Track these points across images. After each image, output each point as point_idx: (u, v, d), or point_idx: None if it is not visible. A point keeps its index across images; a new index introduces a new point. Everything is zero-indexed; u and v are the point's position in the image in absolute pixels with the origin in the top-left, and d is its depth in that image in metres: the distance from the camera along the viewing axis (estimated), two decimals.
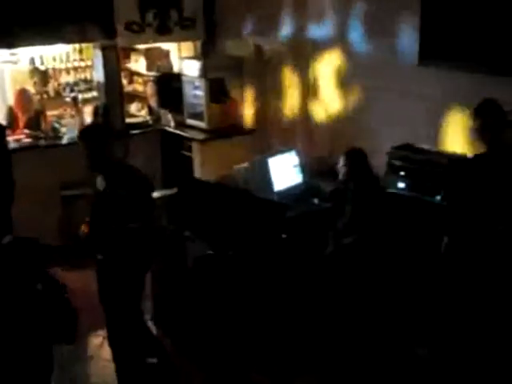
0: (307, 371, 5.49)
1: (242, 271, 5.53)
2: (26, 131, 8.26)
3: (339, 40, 7.00)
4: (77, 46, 9.06)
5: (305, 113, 7.62)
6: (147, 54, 9.33)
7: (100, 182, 5.03)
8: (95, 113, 8.48)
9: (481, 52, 5.61)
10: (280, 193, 6.30)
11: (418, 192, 5.62)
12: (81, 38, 8.32)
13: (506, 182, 4.58)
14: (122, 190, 4.96)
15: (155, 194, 6.44)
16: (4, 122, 7.68)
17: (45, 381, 4.29)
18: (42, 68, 9.09)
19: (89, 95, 9.10)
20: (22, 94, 8.49)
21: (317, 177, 6.65)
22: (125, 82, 9.42)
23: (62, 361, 5.87)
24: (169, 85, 8.93)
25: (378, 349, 5.38)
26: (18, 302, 4.06)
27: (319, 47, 7.25)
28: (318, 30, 7.24)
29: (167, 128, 8.77)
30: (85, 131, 5.26)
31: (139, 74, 9.66)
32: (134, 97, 9.74)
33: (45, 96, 9.10)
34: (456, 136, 5.92)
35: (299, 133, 7.73)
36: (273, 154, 6.51)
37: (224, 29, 8.60)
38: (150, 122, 9.00)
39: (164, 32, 8.58)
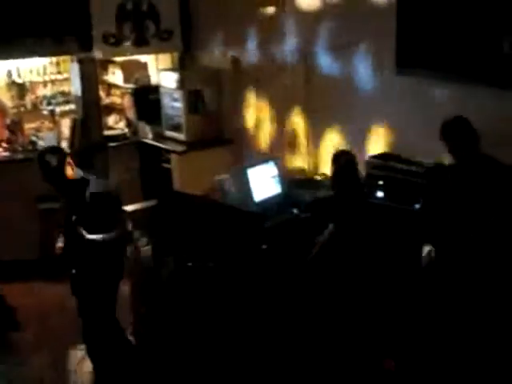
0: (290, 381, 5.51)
1: (222, 283, 5.53)
2: (4, 145, 8.22)
3: (311, 51, 7.04)
4: (54, 58, 9.02)
5: (283, 123, 7.64)
6: (124, 66, 9.30)
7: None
8: (73, 126, 8.45)
9: (457, 61, 5.65)
10: (259, 203, 6.30)
11: (397, 201, 5.64)
12: (58, 50, 8.31)
13: (480, 193, 4.60)
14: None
15: (134, 206, 6.45)
16: None
17: None
18: (19, 81, 9.05)
19: (66, 108, 9.07)
20: None
21: (296, 187, 6.66)
22: (102, 94, 9.38)
23: (43, 375, 5.88)
24: (146, 97, 8.91)
25: (353, 359, 5.40)
26: None
27: (293, 59, 7.28)
28: (289, 42, 7.29)
29: (145, 140, 8.76)
30: (41, 157, 5.20)
31: (117, 87, 9.63)
32: (112, 109, 9.69)
33: (22, 109, 9.04)
34: (432, 145, 5.98)
35: (278, 143, 7.74)
36: (252, 165, 6.52)
37: (201, 40, 8.62)
38: (128, 134, 8.98)
39: (141, 44, 8.58)
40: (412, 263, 5.18)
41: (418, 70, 5.93)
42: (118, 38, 8.38)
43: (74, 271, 5.19)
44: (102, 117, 8.95)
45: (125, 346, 5.46)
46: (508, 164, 4.69)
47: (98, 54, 8.36)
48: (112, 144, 8.61)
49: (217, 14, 8.32)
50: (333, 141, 6.96)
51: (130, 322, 6.18)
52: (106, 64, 9.50)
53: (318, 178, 6.79)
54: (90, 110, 8.47)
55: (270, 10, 7.52)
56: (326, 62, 6.91)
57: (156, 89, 8.82)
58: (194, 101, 8.41)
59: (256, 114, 8.02)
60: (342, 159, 5.63)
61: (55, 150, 5.47)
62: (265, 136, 7.92)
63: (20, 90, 9.08)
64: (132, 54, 8.84)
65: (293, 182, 6.81)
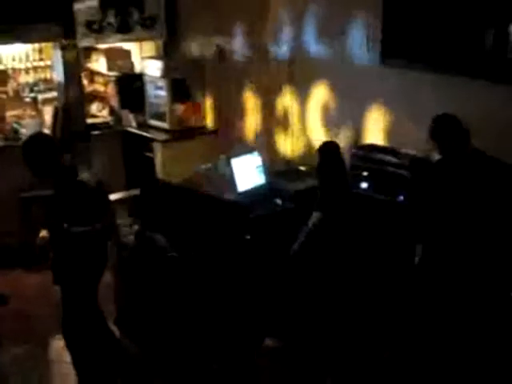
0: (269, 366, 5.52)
1: (205, 273, 5.51)
2: None
3: (299, 42, 7.00)
4: (36, 45, 8.92)
5: (267, 113, 7.61)
6: (108, 53, 9.22)
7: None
8: (55, 113, 8.38)
9: (442, 52, 5.65)
10: (243, 193, 6.28)
11: (381, 192, 5.64)
12: (41, 37, 8.23)
13: (467, 186, 4.58)
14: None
15: (117, 195, 6.40)
16: None
17: None
18: (1, 68, 8.93)
19: (49, 95, 8.96)
20: None
21: (279, 177, 6.65)
22: (85, 82, 9.30)
23: (23, 364, 5.84)
24: (130, 85, 8.85)
25: (339, 348, 5.41)
26: None
27: (280, 49, 7.24)
28: (277, 33, 7.24)
29: (129, 128, 8.70)
30: (26, 147, 5.12)
31: (100, 74, 9.54)
32: (95, 97, 9.62)
33: (4, 96, 8.94)
34: (418, 135, 5.98)
35: (262, 134, 7.72)
36: (236, 155, 6.49)
37: (186, 29, 8.56)
38: (112, 122, 8.92)
39: (125, 31, 8.50)
40: (397, 254, 5.17)
41: (403, 61, 5.92)
42: (101, 25, 8.29)
43: (55, 260, 5.14)
44: (85, 105, 8.88)
45: (106, 336, 5.42)
46: (492, 155, 4.68)
47: (81, 41, 8.27)
48: (95, 132, 8.55)
49: (202, 2, 8.27)
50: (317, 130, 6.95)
51: (113, 312, 6.15)
52: (89, 51, 9.41)
53: (302, 168, 6.77)
54: (73, 97, 8.39)
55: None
56: (312, 50, 6.87)
57: (140, 77, 8.77)
58: (177, 90, 8.36)
59: (240, 103, 7.98)
60: (328, 150, 5.62)
61: (41, 136, 5.42)
62: (249, 126, 7.89)
63: (2, 76, 8.95)
64: (115, 41, 8.75)
65: (277, 172, 6.79)
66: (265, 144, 7.55)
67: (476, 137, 4.72)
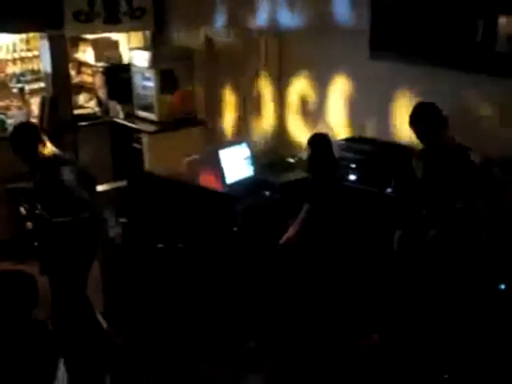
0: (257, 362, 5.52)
1: (192, 264, 5.51)
2: None
3: (289, 31, 6.98)
4: (24, 35, 8.86)
5: (256, 105, 7.60)
6: (96, 44, 9.18)
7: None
8: (42, 104, 8.33)
9: (429, 45, 5.66)
10: (231, 185, 6.28)
11: (369, 184, 5.65)
12: (27, 27, 8.16)
13: (444, 178, 4.61)
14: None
15: (105, 187, 6.38)
16: None
17: None
18: None
19: (36, 86, 8.92)
20: None
21: (268, 169, 6.65)
22: (73, 72, 9.26)
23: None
24: (118, 76, 8.81)
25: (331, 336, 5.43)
26: None
27: (270, 37, 7.22)
28: (266, 20, 7.22)
29: (116, 120, 8.67)
30: (14, 135, 5.11)
31: (87, 65, 9.50)
32: (82, 88, 9.58)
33: None
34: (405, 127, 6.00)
35: (250, 125, 7.71)
36: (224, 146, 6.48)
37: (174, 19, 8.52)
38: (99, 113, 8.89)
39: (113, 22, 8.45)
40: (384, 245, 5.18)
41: (392, 54, 5.93)
42: (89, 16, 8.23)
43: (41, 250, 5.13)
44: (73, 95, 8.83)
45: (94, 326, 5.42)
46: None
47: (68, 32, 8.22)
48: (82, 123, 8.51)
49: None
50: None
51: (100, 303, 6.13)
52: (76, 42, 9.37)
53: (290, 160, 6.77)
54: (60, 88, 8.34)
55: None
56: (298, 40, 6.87)
57: (127, 68, 8.72)
58: (165, 80, 8.32)
59: (229, 94, 7.97)
60: (318, 142, 5.62)
61: (28, 125, 5.41)
62: (237, 117, 7.88)
63: None
64: (103, 31, 8.72)
65: (264, 164, 6.78)
66: (253, 135, 7.54)
67: (461, 128, 4.76)
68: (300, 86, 6.99)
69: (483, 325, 4.51)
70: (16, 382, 3.53)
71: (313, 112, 6.89)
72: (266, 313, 5.78)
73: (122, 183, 6.47)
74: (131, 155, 8.35)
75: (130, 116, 8.61)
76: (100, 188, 6.14)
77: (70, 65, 8.90)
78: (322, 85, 6.74)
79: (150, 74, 8.30)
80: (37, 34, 8.53)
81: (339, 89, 6.54)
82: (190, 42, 8.29)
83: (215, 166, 6.30)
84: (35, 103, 8.56)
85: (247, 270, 5.66)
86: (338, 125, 6.60)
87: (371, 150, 5.83)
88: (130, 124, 8.48)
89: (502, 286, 4.52)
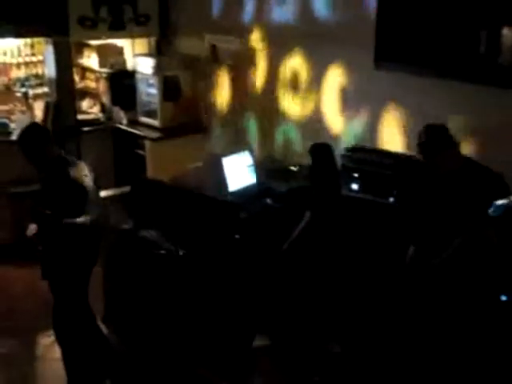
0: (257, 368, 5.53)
1: (195, 271, 5.51)
2: None
3: (296, 42, 7.00)
4: (28, 40, 8.88)
5: (259, 113, 7.61)
6: (100, 50, 9.19)
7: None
8: (46, 109, 8.35)
9: (434, 56, 5.68)
10: (234, 193, 6.28)
11: (371, 193, 5.65)
12: (32, 32, 8.19)
13: (457, 195, 4.59)
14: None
15: (107, 192, 6.39)
16: None
17: None
18: None
19: (40, 91, 8.92)
20: None
21: (270, 177, 6.65)
22: (77, 78, 9.27)
23: (12, 360, 5.82)
24: (122, 82, 8.83)
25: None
26: None
27: (275, 47, 7.25)
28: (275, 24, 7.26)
29: (120, 126, 8.69)
30: (23, 135, 5.12)
31: (92, 71, 9.52)
32: (86, 93, 9.60)
33: None
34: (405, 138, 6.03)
35: (253, 133, 7.72)
36: (227, 154, 6.49)
37: (179, 26, 8.55)
38: (102, 119, 8.90)
39: (118, 28, 8.48)
40: (387, 255, 5.18)
41: (396, 65, 5.94)
42: (94, 22, 8.27)
43: (44, 253, 5.12)
44: (76, 101, 8.85)
45: (95, 332, 5.42)
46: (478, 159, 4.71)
47: (73, 37, 8.25)
48: (85, 128, 8.52)
49: (193, 1, 8.26)
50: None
51: (102, 308, 6.14)
52: (81, 47, 9.39)
53: (293, 168, 6.78)
54: (64, 93, 8.36)
55: None
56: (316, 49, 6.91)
57: (132, 74, 8.75)
58: (169, 87, 8.35)
59: (232, 102, 7.98)
60: (320, 151, 5.63)
61: (38, 127, 5.43)
62: (240, 125, 7.89)
63: None
64: (108, 37, 8.75)
65: (267, 172, 6.79)
66: (256, 143, 7.55)
67: (468, 139, 4.76)
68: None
69: (485, 337, 4.51)
70: None
71: (315, 120, 6.91)
72: (267, 319, 5.79)
73: (124, 189, 6.48)
74: (134, 161, 8.36)
75: (133, 122, 8.64)
76: (102, 194, 6.15)
77: (74, 70, 8.92)
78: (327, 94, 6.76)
79: (153, 80, 8.34)
80: (41, 39, 8.55)
81: (347, 99, 6.56)
82: (195, 49, 8.31)
83: (218, 173, 6.31)
84: (39, 108, 8.57)
85: (249, 277, 5.66)
86: (340, 134, 6.61)
87: (373, 159, 5.83)
88: (133, 130, 8.50)
89: (504, 298, 4.52)
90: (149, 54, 8.75)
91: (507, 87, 5.16)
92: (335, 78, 6.61)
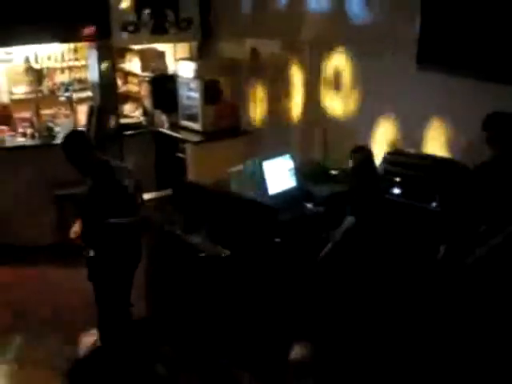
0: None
1: (235, 274, 5.53)
2: (21, 130, 8.30)
3: (337, 43, 7.01)
4: (72, 45, 9.02)
5: (301, 116, 7.63)
6: (142, 54, 9.31)
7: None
8: (89, 113, 8.47)
9: (478, 58, 5.63)
10: (274, 196, 6.29)
11: (413, 198, 5.61)
12: (76, 37, 8.31)
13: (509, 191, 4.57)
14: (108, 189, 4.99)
15: (149, 195, 6.46)
16: None
17: None
18: (37, 67, 9.05)
19: (83, 95, 9.07)
20: None
21: (311, 181, 6.65)
22: (119, 82, 9.39)
23: (53, 359, 5.90)
24: (163, 86, 8.91)
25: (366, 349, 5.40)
26: None
27: (316, 51, 7.26)
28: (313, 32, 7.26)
29: (161, 129, 8.77)
30: (65, 142, 5.21)
31: (134, 75, 9.63)
32: (129, 97, 9.71)
33: (39, 95, 9.05)
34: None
35: (294, 136, 7.74)
36: (267, 158, 6.50)
37: (220, 30, 8.60)
38: (144, 122, 9.01)
39: (159, 33, 8.57)
40: (427, 261, 5.15)
41: (439, 66, 5.91)
42: (136, 26, 8.37)
43: (91, 255, 5.19)
44: (119, 105, 8.96)
45: (134, 333, 5.49)
46: None
47: (116, 42, 8.36)
48: (128, 132, 8.63)
49: (236, 3, 8.30)
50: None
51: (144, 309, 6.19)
52: (123, 51, 9.50)
53: (333, 172, 6.77)
54: (107, 97, 8.48)
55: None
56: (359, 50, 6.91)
57: (173, 78, 8.82)
58: (210, 91, 8.40)
59: (274, 105, 8.01)
60: (360, 155, 5.61)
61: (79, 133, 5.52)
62: (282, 128, 7.91)
63: (37, 75, 9.07)
64: (150, 42, 8.84)
65: (308, 175, 6.79)
66: (297, 146, 7.56)
67: None
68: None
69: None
70: None
71: (357, 123, 6.91)
72: (304, 323, 5.79)
73: (166, 192, 6.54)
74: (175, 165, 8.43)
75: (174, 126, 8.71)
76: (144, 196, 6.22)
77: (117, 74, 9.04)
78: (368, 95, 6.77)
79: (195, 84, 8.39)
80: (85, 44, 8.68)
81: (388, 101, 6.54)
82: (236, 54, 8.36)
83: (259, 176, 6.32)
84: (82, 112, 8.71)
85: (288, 281, 5.67)
86: (382, 138, 6.60)
87: (415, 163, 5.80)
88: (174, 134, 8.57)
89: None
90: (190, 58, 8.82)
91: None
92: (378, 79, 6.59)
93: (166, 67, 9.35)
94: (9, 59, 8.84)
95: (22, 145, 8.11)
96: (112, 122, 8.48)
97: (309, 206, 6.26)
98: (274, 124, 8.03)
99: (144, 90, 9.25)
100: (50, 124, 8.44)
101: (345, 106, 7.06)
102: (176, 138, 8.54)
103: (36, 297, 6.83)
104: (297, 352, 4.06)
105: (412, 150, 6.15)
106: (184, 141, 8.41)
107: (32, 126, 8.45)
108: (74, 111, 8.89)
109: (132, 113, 9.50)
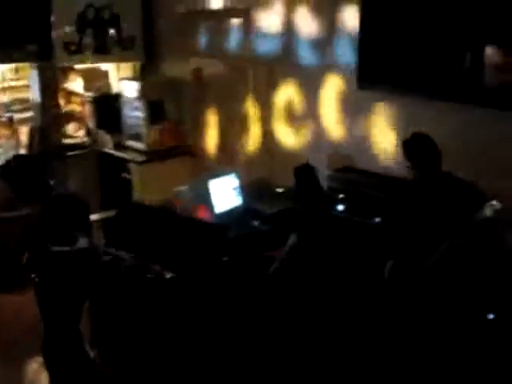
0: None
1: (181, 294, 5.49)
2: None
3: (283, 58, 7.06)
4: (13, 65, 8.89)
5: (244, 134, 7.64)
6: (85, 74, 9.21)
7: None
8: (31, 133, 8.35)
9: (418, 76, 5.73)
10: (220, 215, 6.28)
11: (357, 215, 5.67)
12: (18, 57, 8.20)
13: (438, 207, 4.65)
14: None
15: (93, 217, 6.36)
16: None
17: None
18: None
19: (25, 115, 8.92)
20: None
21: (256, 199, 6.66)
22: (62, 102, 9.26)
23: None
24: (107, 105, 8.85)
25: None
26: None
27: (262, 67, 7.31)
28: (261, 49, 7.31)
29: (105, 149, 8.69)
30: (11, 167, 5.11)
31: (77, 94, 9.51)
32: (72, 117, 9.57)
33: None
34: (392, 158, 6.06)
35: (239, 155, 7.75)
36: (213, 176, 6.50)
37: (163, 50, 8.59)
38: (88, 143, 8.90)
39: (102, 52, 8.52)
40: (372, 277, 5.19)
41: (379, 85, 5.99)
42: (78, 46, 8.30)
43: (36, 279, 5.08)
44: (62, 125, 8.84)
45: (84, 358, 5.37)
46: (467, 179, 4.75)
47: (58, 62, 8.27)
48: (71, 153, 8.52)
49: (180, 23, 8.30)
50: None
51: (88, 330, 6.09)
52: (66, 71, 9.38)
53: (279, 190, 6.79)
54: (49, 117, 8.37)
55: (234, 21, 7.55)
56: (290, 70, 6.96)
57: (117, 97, 8.76)
58: (154, 110, 8.37)
59: (217, 124, 8.01)
60: (303, 172, 5.64)
61: (20, 157, 5.42)
62: (226, 147, 7.92)
63: None
64: (92, 62, 8.77)
65: (253, 193, 6.80)
66: (242, 165, 7.57)
67: (448, 158, 4.81)
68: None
69: (469, 356, 4.51)
70: None
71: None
72: (254, 344, 5.76)
73: (111, 213, 6.46)
74: (120, 185, 8.35)
75: (118, 146, 8.64)
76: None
77: (60, 94, 8.93)
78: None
79: (138, 104, 8.35)
80: (26, 64, 8.56)
81: (328, 116, 6.60)
82: (179, 73, 8.34)
83: (204, 195, 6.31)
84: (24, 132, 8.57)
85: (236, 300, 5.64)
86: (326, 154, 6.65)
87: (358, 180, 5.86)
88: (118, 154, 8.50)
89: (491, 316, 4.53)
90: (133, 78, 8.78)
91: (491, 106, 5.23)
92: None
93: (109, 87, 9.28)
94: None
95: None
96: (55, 143, 8.36)
97: (255, 223, 6.27)
98: (219, 142, 8.03)
99: (87, 110, 9.16)
100: None
101: (287, 126, 7.10)
102: (120, 157, 8.47)
103: None
104: None
105: (355, 167, 6.22)
106: (128, 161, 8.34)
107: None
108: (15, 132, 8.73)
109: (75, 133, 9.35)
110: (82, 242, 4.94)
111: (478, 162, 5.31)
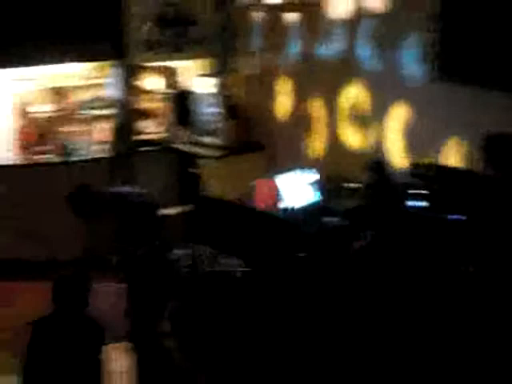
0: None
1: (256, 289, 5.48)
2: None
3: (349, 57, 7.02)
4: (91, 63, 9.05)
5: (321, 130, 7.59)
6: (162, 71, 9.33)
7: None
8: (110, 130, 8.49)
9: (500, 70, 5.58)
10: (294, 210, 6.25)
11: (438, 211, 5.55)
12: (95, 56, 8.34)
13: None
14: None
15: (171, 211, 6.44)
16: None
17: None
18: (57, 85, 9.06)
19: (103, 113, 9.07)
20: None
21: (332, 195, 6.60)
22: (139, 99, 9.39)
23: None
24: (183, 102, 8.93)
25: None
26: None
27: (331, 64, 7.26)
28: (328, 48, 7.26)
29: (181, 145, 8.76)
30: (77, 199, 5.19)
31: (154, 92, 9.64)
32: (149, 114, 9.71)
33: (58, 113, 9.06)
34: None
35: (315, 150, 7.70)
36: (288, 171, 6.47)
37: (240, 46, 8.60)
38: (165, 139, 9.00)
39: (179, 50, 8.60)
40: (449, 275, 5.07)
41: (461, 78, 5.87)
42: (155, 44, 8.40)
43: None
44: (139, 122, 8.96)
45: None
46: None
47: (135, 60, 8.38)
48: (148, 149, 8.62)
49: (256, 21, 8.31)
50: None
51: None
52: (144, 69, 9.51)
53: (355, 185, 6.72)
54: (127, 115, 8.49)
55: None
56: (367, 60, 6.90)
57: (193, 94, 8.82)
58: (230, 106, 8.40)
59: (294, 120, 7.98)
60: (377, 168, 5.58)
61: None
62: (302, 143, 7.88)
63: (58, 93, 9.09)
64: (170, 59, 8.87)
65: (329, 189, 6.74)
66: (318, 160, 7.53)
67: None
68: None
69: None
70: None
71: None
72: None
73: (188, 208, 6.51)
74: (196, 180, 8.41)
75: (194, 141, 8.69)
76: (166, 212, 6.19)
77: (137, 92, 9.04)
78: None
79: (214, 100, 8.38)
80: (105, 62, 8.70)
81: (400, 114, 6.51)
82: (254, 69, 8.34)
83: (280, 191, 6.29)
84: (102, 130, 8.71)
85: (312, 297, 5.60)
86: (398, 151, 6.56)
87: (439, 176, 5.74)
88: (194, 149, 8.56)
89: None
90: (210, 74, 8.82)
91: None
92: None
93: (186, 83, 9.35)
94: (28, 78, 8.86)
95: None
96: (133, 139, 8.49)
97: (330, 220, 6.21)
98: (295, 138, 8.00)
99: (164, 107, 9.26)
100: (68, 143, 8.45)
101: (363, 121, 7.05)
102: (196, 153, 8.53)
103: None
104: None
105: (435, 163, 6.10)
106: (204, 156, 8.40)
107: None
108: (93, 129, 8.89)
109: (152, 129, 9.50)
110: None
111: None
